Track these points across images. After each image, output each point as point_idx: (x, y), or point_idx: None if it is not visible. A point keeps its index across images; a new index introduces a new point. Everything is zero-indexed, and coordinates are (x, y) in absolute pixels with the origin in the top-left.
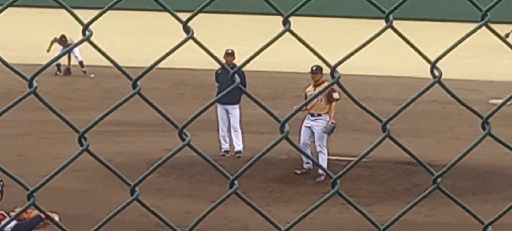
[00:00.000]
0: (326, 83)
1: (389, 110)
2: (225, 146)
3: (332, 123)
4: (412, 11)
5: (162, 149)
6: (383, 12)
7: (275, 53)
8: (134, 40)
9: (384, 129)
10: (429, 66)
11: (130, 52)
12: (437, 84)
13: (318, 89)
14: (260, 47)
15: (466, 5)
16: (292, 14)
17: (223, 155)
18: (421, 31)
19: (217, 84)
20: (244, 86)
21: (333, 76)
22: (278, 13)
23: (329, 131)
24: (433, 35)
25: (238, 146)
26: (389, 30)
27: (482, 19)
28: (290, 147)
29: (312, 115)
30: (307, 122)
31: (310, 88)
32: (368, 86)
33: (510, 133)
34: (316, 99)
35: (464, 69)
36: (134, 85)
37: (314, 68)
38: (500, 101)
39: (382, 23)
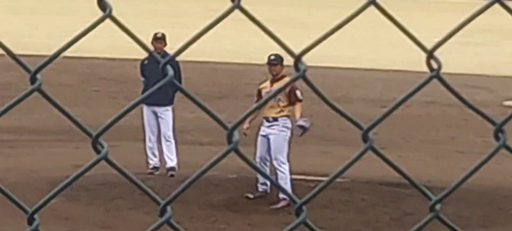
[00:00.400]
0: (287, 78)
1: (372, 114)
2: (154, 160)
3: (299, 125)
4: None
5: (69, 164)
6: None
7: (219, 39)
8: (32, 20)
9: (365, 138)
10: (424, 56)
11: (26, 35)
12: (435, 81)
13: (277, 85)
14: (200, 30)
15: None
16: None
17: (151, 173)
18: (413, 11)
19: (143, 78)
20: (179, 81)
21: (297, 69)
22: None
23: (302, 133)
24: (429, 16)
25: (171, 160)
26: (371, 9)
27: None
28: (241, 162)
29: (267, 120)
30: (263, 130)
31: (267, 84)
32: (343, 83)
33: None
34: (273, 99)
35: (470, 61)
36: (33, 79)
37: (272, 58)
38: None
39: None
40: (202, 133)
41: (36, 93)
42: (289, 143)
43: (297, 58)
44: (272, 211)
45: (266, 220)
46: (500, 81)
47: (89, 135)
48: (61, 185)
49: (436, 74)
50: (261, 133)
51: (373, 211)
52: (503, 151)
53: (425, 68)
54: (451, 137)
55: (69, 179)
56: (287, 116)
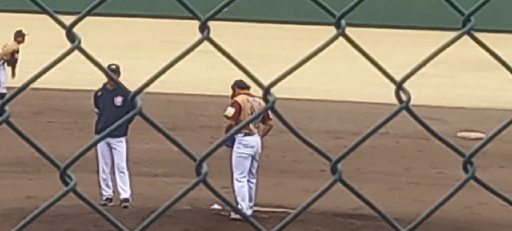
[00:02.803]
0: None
1: (328, 146)
2: (108, 192)
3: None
4: (366, 15)
5: (22, 196)
6: (333, 15)
7: (174, 70)
8: None
9: (334, 170)
10: (378, 87)
11: None
12: (387, 111)
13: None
14: (169, 62)
15: (440, 8)
16: (213, 17)
17: (104, 204)
18: (375, 40)
19: (96, 110)
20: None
21: (266, 100)
22: (194, 16)
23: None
24: (393, 46)
25: (125, 192)
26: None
27: (464, 25)
28: (195, 194)
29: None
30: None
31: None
32: (299, 114)
33: (487, 176)
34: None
35: (425, 92)
36: (1, 112)
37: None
38: (472, 134)
39: (320, 30)
40: (156, 164)
41: None
42: (245, 159)
43: (266, 90)
44: None
45: None
46: (454, 113)
47: (57, 167)
48: (31, 215)
49: (405, 106)
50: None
51: None
52: (457, 184)
53: (379, 99)
54: (405, 168)
55: (38, 210)
56: (247, 133)
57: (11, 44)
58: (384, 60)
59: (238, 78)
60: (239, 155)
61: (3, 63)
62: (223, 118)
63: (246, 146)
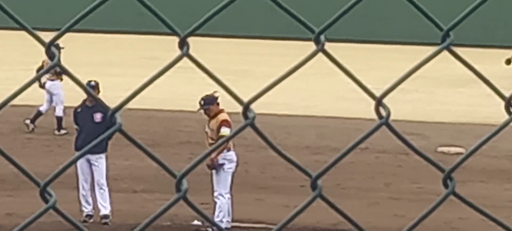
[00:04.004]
0: (221, 117)
1: (307, 161)
2: (88, 208)
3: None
4: (343, 30)
5: (2, 213)
6: (312, 31)
7: (152, 86)
8: None
9: (314, 186)
10: (355, 103)
11: None
12: (365, 127)
13: (213, 122)
14: (149, 78)
15: (417, 22)
16: (192, 33)
17: (84, 221)
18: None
19: (76, 126)
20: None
21: (246, 117)
22: (173, 32)
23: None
24: (370, 62)
25: (105, 208)
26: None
27: (443, 40)
28: (175, 210)
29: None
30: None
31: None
32: (276, 130)
33: (467, 191)
34: (210, 139)
35: (403, 107)
36: None
37: (202, 102)
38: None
39: (297, 46)
40: (136, 181)
41: None
42: (233, 176)
43: (246, 106)
44: None
45: None
46: (434, 128)
47: (37, 184)
48: None
49: (385, 121)
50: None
51: None
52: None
53: (358, 115)
54: (385, 184)
55: (17, 228)
56: (228, 148)
57: None
58: (361, 76)
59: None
60: (226, 171)
61: None
62: (204, 134)
63: (230, 161)
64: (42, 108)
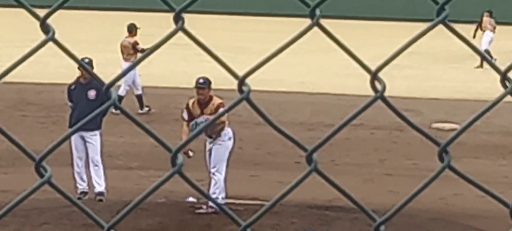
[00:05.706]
0: (216, 100)
1: (302, 137)
2: (83, 185)
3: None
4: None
5: None
6: (307, 5)
7: (147, 63)
8: None
9: (309, 160)
10: (350, 79)
11: None
12: (360, 103)
13: (207, 108)
14: (144, 53)
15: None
16: (187, 7)
17: (79, 198)
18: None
19: (70, 103)
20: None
21: (241, 91)
22: (168, 6)
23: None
24: (365, 38)
25: (99, 185)
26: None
27: (438, 14)
28: (169, 186)
29: (210, 137)
30: (208, 145)
31: (195, 107)
32: (272, 106)
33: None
34: (204, 119)
35: (398, 84)
36: None
37: (201, 81)
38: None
39: (292, 23)
40: (130, 158)
41: None
42: (230, 152)
43: (241, 81)
44: None
45: None
46: (429, 104)
47: (33, 158)
48: (5, 209)
49: (380, 95)
50: (208, 148)
51: None
52: (431, 175)
53: (352, 91)
54: (379, 160)
55: (12, 203)
56: (222, 129)
57: None
58: (357, 53)
59: (208, 72)
60: (228, 148)
61: None
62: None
63: (230, 138)
64: (121, 92)
